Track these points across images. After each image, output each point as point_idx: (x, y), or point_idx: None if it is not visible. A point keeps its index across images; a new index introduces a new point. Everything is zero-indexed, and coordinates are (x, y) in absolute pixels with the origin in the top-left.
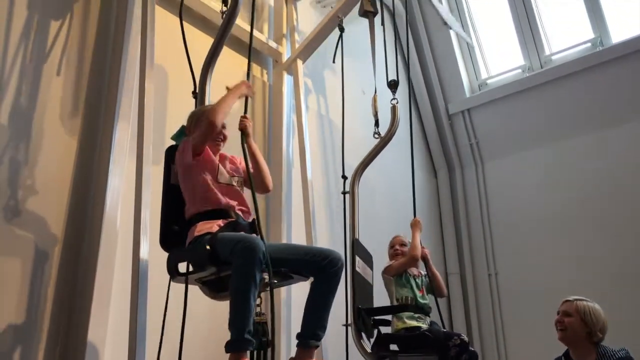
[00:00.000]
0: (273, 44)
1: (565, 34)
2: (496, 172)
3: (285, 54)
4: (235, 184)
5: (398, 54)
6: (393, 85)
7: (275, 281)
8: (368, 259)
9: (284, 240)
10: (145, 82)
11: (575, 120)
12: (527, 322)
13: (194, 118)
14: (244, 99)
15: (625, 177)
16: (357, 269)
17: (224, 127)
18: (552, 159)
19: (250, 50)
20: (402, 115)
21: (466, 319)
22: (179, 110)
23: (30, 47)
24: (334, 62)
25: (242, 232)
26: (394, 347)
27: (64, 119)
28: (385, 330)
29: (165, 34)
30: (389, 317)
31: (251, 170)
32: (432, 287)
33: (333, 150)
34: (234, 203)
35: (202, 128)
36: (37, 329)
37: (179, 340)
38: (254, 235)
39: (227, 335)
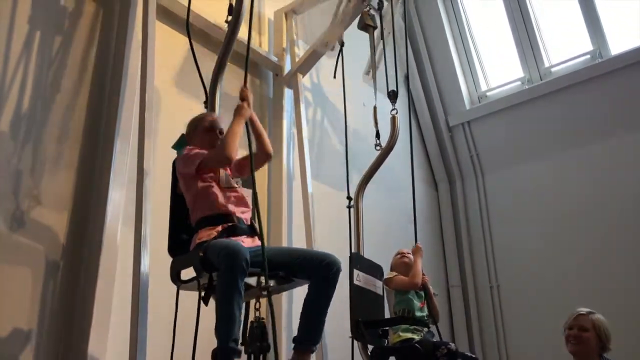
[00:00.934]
0: (273, 58)
1: (564, 46)
2: (497, 184)
3: (286, 67)
4: (237, 185)
5: (397, 66)
6: (392, 96)
7: (272, 284)
8: (375, 271)
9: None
10: (146, 96)
11: (576, 131)
12: (529, 334)
13: (192, 126)
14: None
15: (626, 188)
16: (356, 282)
17: (221, 132)
18: (553, 171)
19: (248, 52)
20: (402, 126)
21: (468, 332)
22: (178, 124)
23: (31, 61)
24: (334, 77)
25: (231, 239)
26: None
27: (64, 134)
28: None
29: (165, 49)
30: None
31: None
32: (431, 315)
33: (334, 163)
34: (234, 208)
35: (213, 160)
36: (37, 342)
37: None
38: (239, 242)
39: None
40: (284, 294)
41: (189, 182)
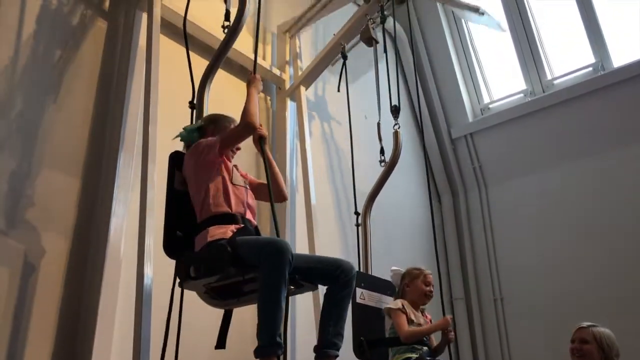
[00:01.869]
0: (276, 71)
1: (567, 58)
2: (500, 196)
3: (288, 80)
4: (246, 185)
5: (400, 79)
6: (395, 111)
7: (292, 287)
8: (382, 287)
9: None
10: (150, 109)
11: (578, 144)
12: (534, 347)
13: (214, 120)
14: None
15: (630, 200)
16: (359, 300)
17: None
18: (556, 183)
19: (257, 39)
20: (406, 140)
21: (472, 345)
22: None
23: (38, 74)
24: (338, 90)
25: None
26: None
27: (69, 146)
28: None
29: (170, 62)
30: None
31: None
32: (433, 349)
33: (341, 176)
34: (242, 210)
35: (238, 129)
36: (40, 353)
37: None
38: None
39: (233, 347)
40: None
41: (202, 174)
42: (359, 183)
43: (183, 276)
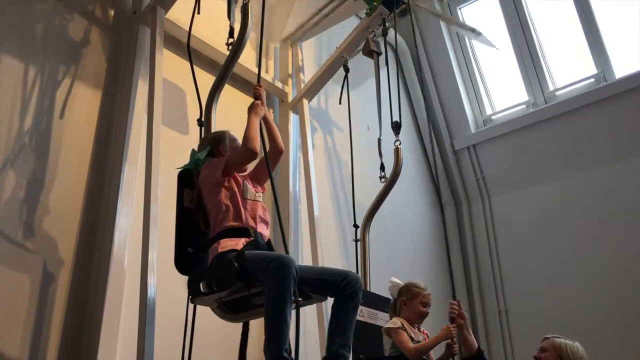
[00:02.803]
0: (279, 84)
1: (569, 69)
2: (503, 207)
3: (291, 93)
4: (259, 199)
5: (402, 91)
6: (396, 127)
7: (301, 299)
8: (380, 304)
9: None
10: (153, 123)
11: (581, 154)
12: None
13: (221, 139)
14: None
15: (633, 211)
16: (359, 317)
17: None
18: (559, 194)
19: (260, 50)
20: (408, 151)
21: None
22: (186, 150)
23: (44, 88)
24: (340, 103)
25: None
26: None
27: (72, 160)
28: None
29: (173, 77)
30: None
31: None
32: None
33: (343, 187)
34: (254, 223)
35: (240, 156)
36: None
37: None
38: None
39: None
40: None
41: (212, 190)
42: (361, 195)
43: (194, 292)
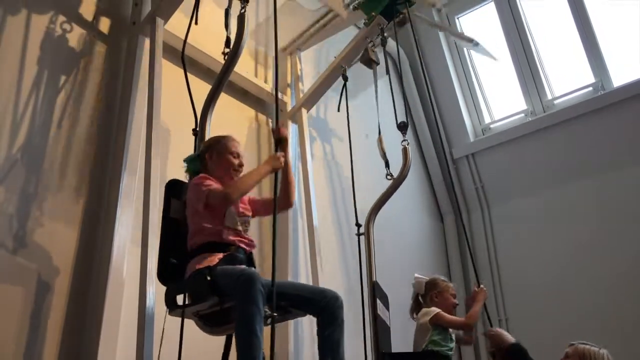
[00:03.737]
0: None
1: (567, 78)
2: (503, 216)
3: (290, 103)
4: (240, 227)
5: (402, 99)
6: (403, 127)
7: (276, 314)
8: (385, 300)
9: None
10: (152, 134)
11: (580, 163)
12: None
13: (211, 145)
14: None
15: (632, 220)
16: (378, 312)
17: (240, 156)
18: (558, 202)
19: (277, 106)
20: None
21: None
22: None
23: (42, 97)
24: (338, 110)
25: (241, 265)
26: None
27: (72, 168)
28: None
29: (172, 88)
30: None
31: (279, 184)
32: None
33: (343, 196)
34: (235, 238)
35: (217, 199)
36: None
37: None
38: (252, 268)
39: None
40: (291, 327)
41: (194, 212)
42: (360, 202)
43: (170, 304)
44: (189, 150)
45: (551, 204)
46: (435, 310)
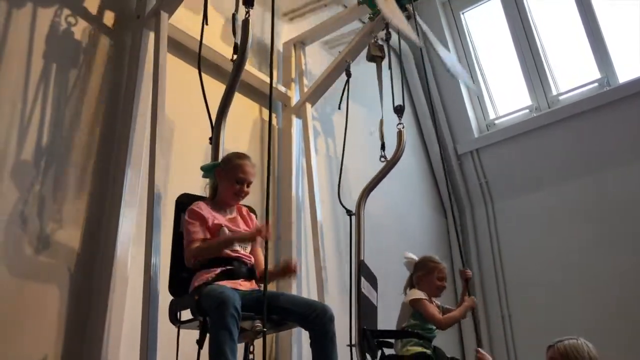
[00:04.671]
0: (282, 88)
1: (572, 74)
2: (507, 212)
3: (294, 98)
4: (238, 247)
5: (405, 95)
6: (399, 111)
7: (265, 329)
8: (373, 281)
9: (294, 283)
10: (157, 129)
11: (585, 159)
12: None
13: (226, 161)
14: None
15: (636, 217)
16: (362, 289)
17: (246, 182)
18: (563, 198)
19: (269, 159)
20: (411, 155)
21: None
22: (188, 157)
23: (49, 95)
24: (339, 108)
25: (225, 285)
26: None
27: (76, 164)
28: (388, 351)
29: (177, 82)
30: (391, 340)
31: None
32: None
33: (344, 191)
34: (234, 254)
35: (186, 256)
36: None
37: None
38: (231, 289)
39: None
40: (293, 338)
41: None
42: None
43: (172, 319)
44: (193, 144)
45: (555, 200)
46: (419, 295)
